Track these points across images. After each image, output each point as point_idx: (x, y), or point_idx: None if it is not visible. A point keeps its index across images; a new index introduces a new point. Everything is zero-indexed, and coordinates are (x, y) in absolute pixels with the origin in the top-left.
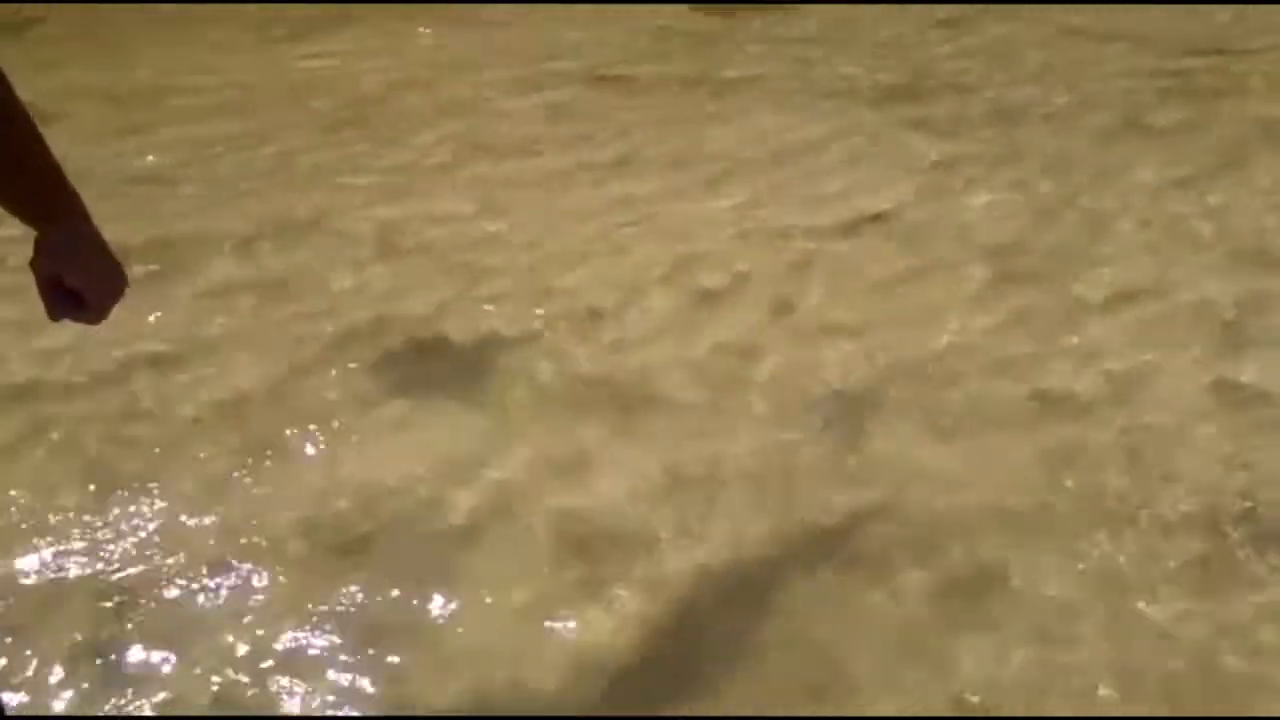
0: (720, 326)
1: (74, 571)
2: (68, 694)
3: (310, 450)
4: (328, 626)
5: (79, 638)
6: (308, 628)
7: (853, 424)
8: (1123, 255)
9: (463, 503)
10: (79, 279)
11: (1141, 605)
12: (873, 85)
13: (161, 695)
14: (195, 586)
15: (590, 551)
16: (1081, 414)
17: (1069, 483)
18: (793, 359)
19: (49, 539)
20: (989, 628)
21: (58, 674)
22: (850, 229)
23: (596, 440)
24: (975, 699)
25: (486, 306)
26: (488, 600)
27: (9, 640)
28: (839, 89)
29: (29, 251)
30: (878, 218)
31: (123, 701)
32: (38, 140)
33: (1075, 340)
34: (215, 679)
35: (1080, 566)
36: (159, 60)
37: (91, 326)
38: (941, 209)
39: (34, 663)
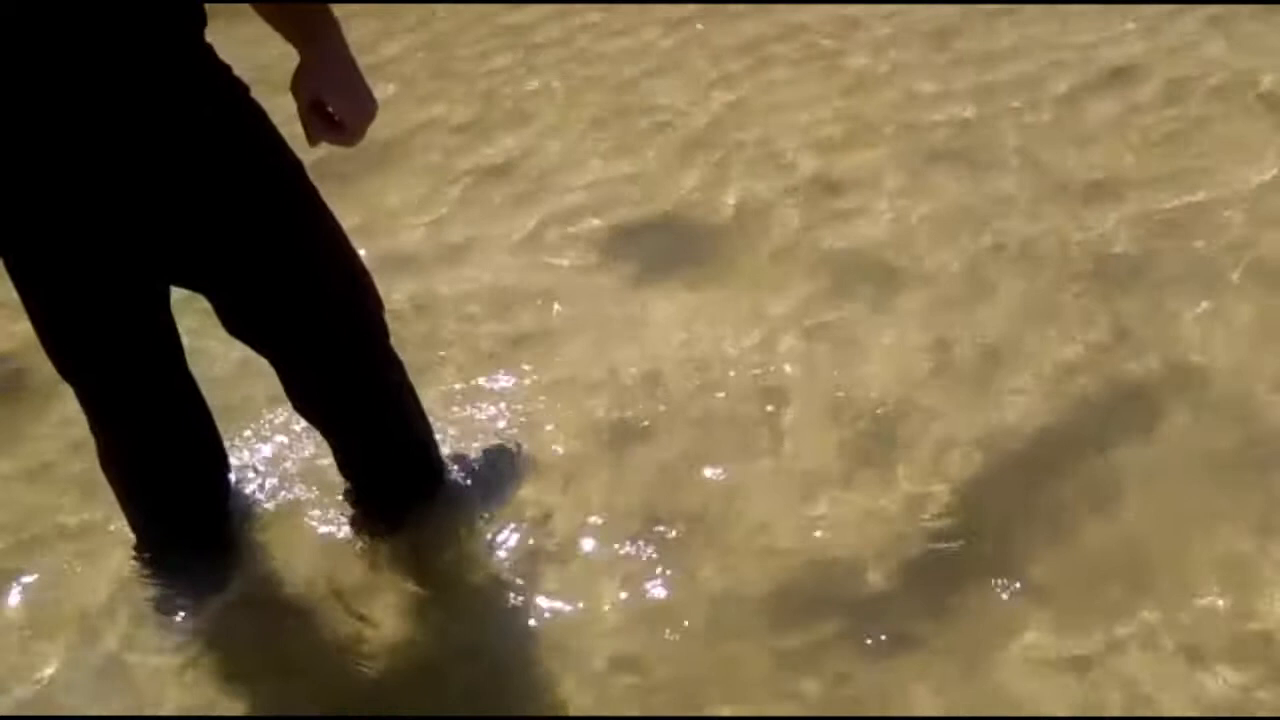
0: (964, 190)
1: None
2: None
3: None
4: (617, 506)
5: None
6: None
7: (1120, 288)
8: None
9: (734, 383)
10: (340, 104)
11: None
12: None
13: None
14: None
15: (868, 427)
16: None
17: None
18: (1051, 221)
19: None
20: None
21: None
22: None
23: (857, 315)
24: None
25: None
26: (775, 476)
27: None
28: None
29: None
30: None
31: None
32: None
33: None
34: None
35: None
36: None
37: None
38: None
39: None
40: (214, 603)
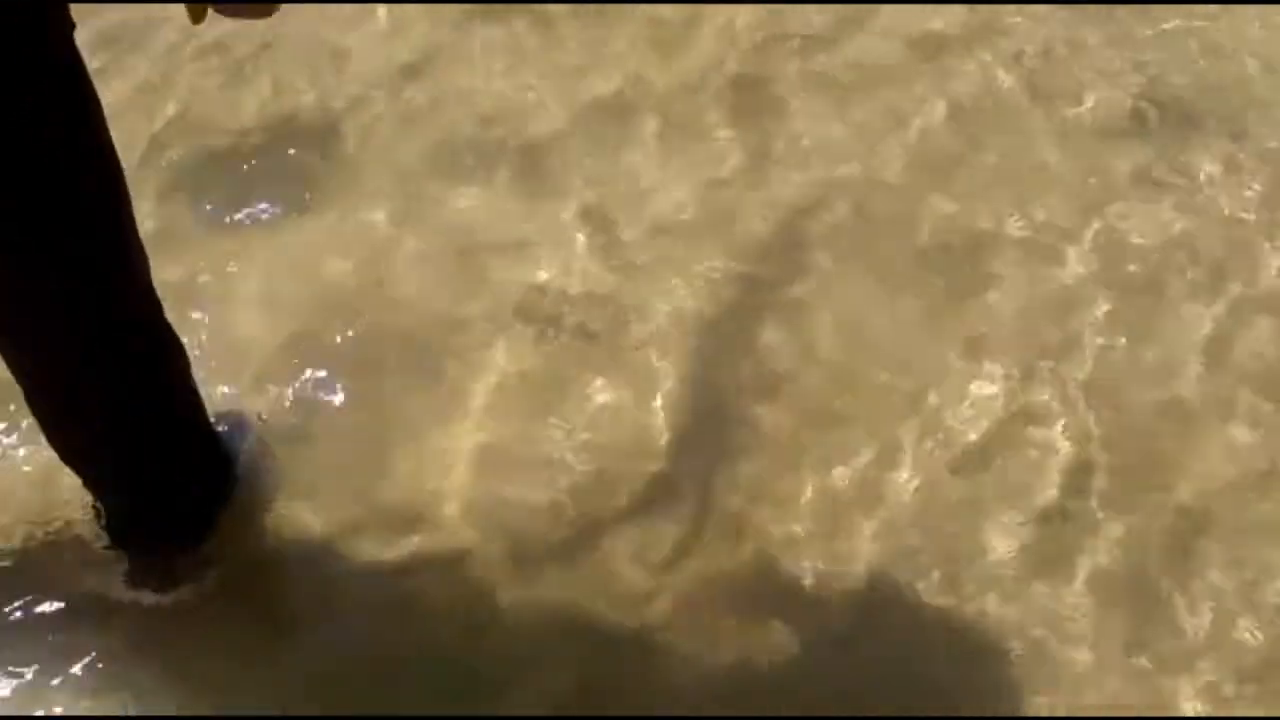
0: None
1: None
2: None
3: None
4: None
5: None
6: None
7: (752, 110)
8: None
9: (398, 307)
10: None
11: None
12: None
13: None
14: None
15: (559, 329)
16: (956, 49)
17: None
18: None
19: None
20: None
21: None
22: None
23: (490, 202)
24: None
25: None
26: (457, 396)
27: None
28: None
29: None
30: None
31: None
32: None
33: None
34: None
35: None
36: None
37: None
38: None
39: None
40: None
